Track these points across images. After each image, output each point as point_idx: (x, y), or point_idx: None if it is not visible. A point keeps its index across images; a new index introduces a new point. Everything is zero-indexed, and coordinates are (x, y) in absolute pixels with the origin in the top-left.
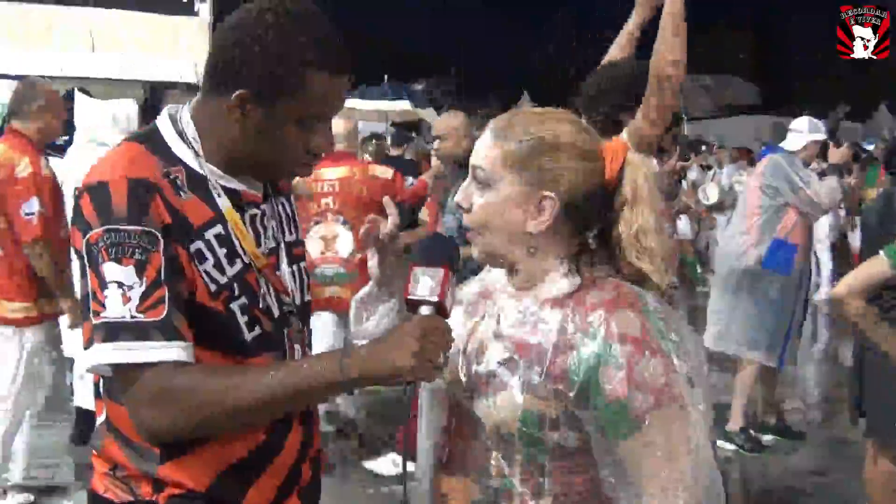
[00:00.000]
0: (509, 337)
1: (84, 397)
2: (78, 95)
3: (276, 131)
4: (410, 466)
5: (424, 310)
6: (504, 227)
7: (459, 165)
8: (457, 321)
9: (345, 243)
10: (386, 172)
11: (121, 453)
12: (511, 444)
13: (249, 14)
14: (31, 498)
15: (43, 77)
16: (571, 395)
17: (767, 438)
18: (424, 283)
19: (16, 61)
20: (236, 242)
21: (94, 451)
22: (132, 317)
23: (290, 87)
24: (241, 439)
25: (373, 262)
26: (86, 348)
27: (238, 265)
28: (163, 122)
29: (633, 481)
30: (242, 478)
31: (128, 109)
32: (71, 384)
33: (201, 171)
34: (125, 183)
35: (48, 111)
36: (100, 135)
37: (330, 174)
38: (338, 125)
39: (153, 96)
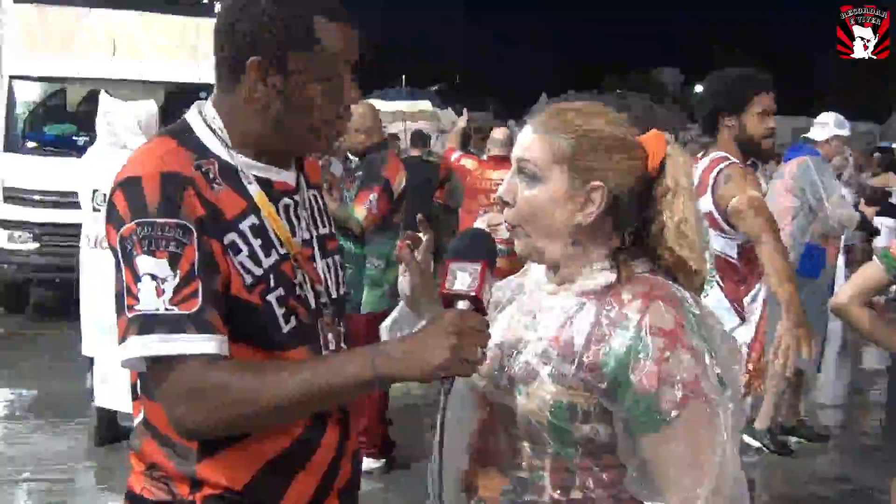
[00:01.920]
0: (545, 330)
1: (105, 398)
2: (103, 96)
3: (300, 92)
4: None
5: (461, 304)
6: (549, 222)
7: (361, 157)
8: (493, 315)
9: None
10: None
11: (158, 452)
12: (541, 436)
13: None
14: None
15: (63, 79)
16: (602, 386)
17: (793, 441)
18: (462, 278)
19: (37, 64)
20: (271, 233)
21: (131, 451)
22: (166, 309)
23: (299, 40)
24: (277, 436)
25: (403, 280)
26: (120, 344)
27: (274, 256)
28: (193, 117)
29: (656, 482)
30: (280, 476)
31: (148, 110)
32: (91, 386)
33: (232, 162)
34: (158, 177)
35: None
36: (120, 138)
37: (496, 175)
38: (498, 132)
39: (171, 99)
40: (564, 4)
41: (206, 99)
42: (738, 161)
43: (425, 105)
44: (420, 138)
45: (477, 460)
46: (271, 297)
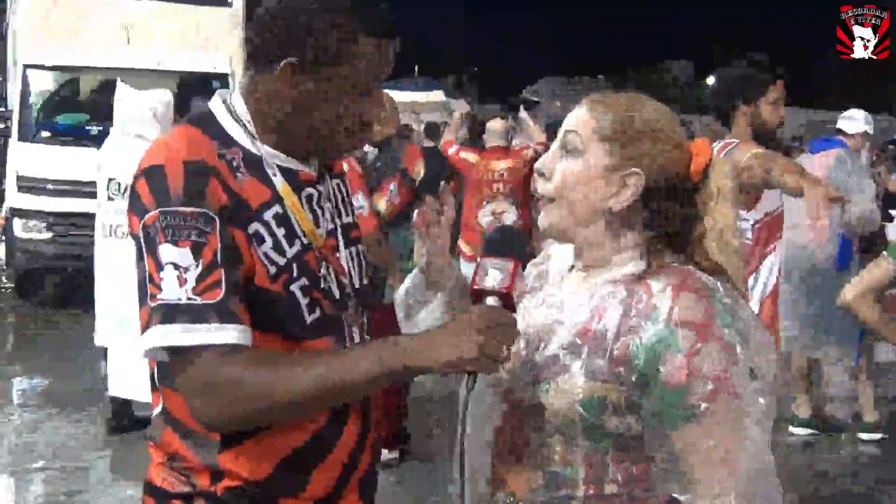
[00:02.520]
0: (572, 321)
1: (119, 387)
2: (119, 86)
3: (327, 100)
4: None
5: (490, 300)
6: (582, 200)
7: (378, 147)
8: (519, 305)
9: (510, 215)
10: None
11: (179, 443)
12: (573, 430)
13: None
14: None
15: (77, 68)
16: (633, 379)
17: (805, 433)
18: (493, 275)
19: (51, 53)
20: (295, 223)
21: (150, 442)
22: (188, 298)
23: (338, 52)
24: (299, 427)
25: (419, 248)
26: (142, 333)
27: (297, 246)
28: (216, 105)
29: (685, 476)
30: (301, 467)
31: (164, 99)
32: (104, 375)
33: (256, 152)
34: (181, 165)
35: None
36: (135, 127)
37: (500, 166)
38: (496, 123)
39: (184, 88)
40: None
41: (218, 88)
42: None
43: (438, 96)
44: (434, 129)
45: (502, 456)
46: (294, 287)
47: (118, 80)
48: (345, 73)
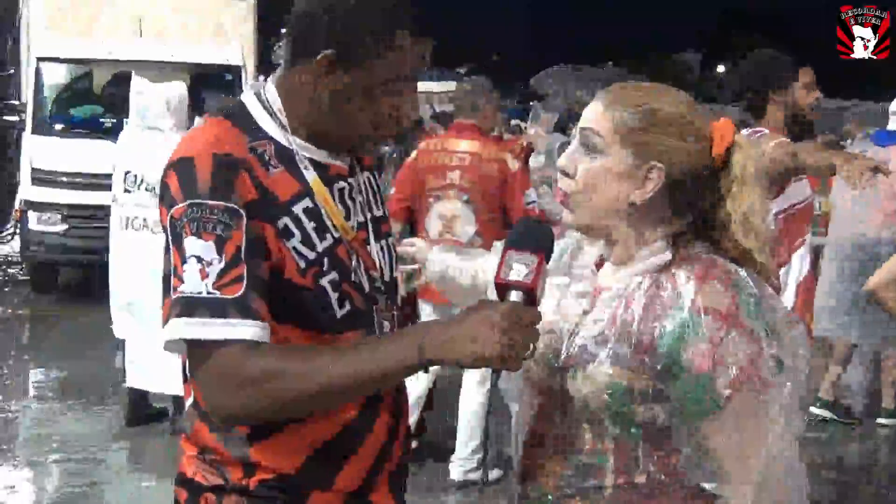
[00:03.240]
0: (600, 312)
1: (135, 378)
2: (135, 78)
3: (363, 95)
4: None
5: (514, 296)
6: (604, 197)
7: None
8: (548, 297)
9: (467, 224)
10: (514, 164)
11: (211, 437)
12: (601, 419)
13: None
14: None
15: (90, 61)
16: (658, 367)
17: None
18: (517, 269)
19: (64, 46)
20: (325, 217)
21: (182, 434)
22: (209, 292)
23: (378, 47)
24: (331, 419)
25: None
26: (164, 325)
27: (328, 240)
28: (248, 98)
29: (712, 466)
30: (333, 459)
31: (179, 91)
32: (121, 367)
33: (288, 145)
34: (211, 159)
35: None
36: (150, 119)
37: (458, 146)
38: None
39: (198, 80)
40: None
41: (231, 81)
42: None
43: (450, 86)
44: (446, 119)
45: (534, 445)
46: (324, 281)
47: (133, 72)
48: (382, 68)
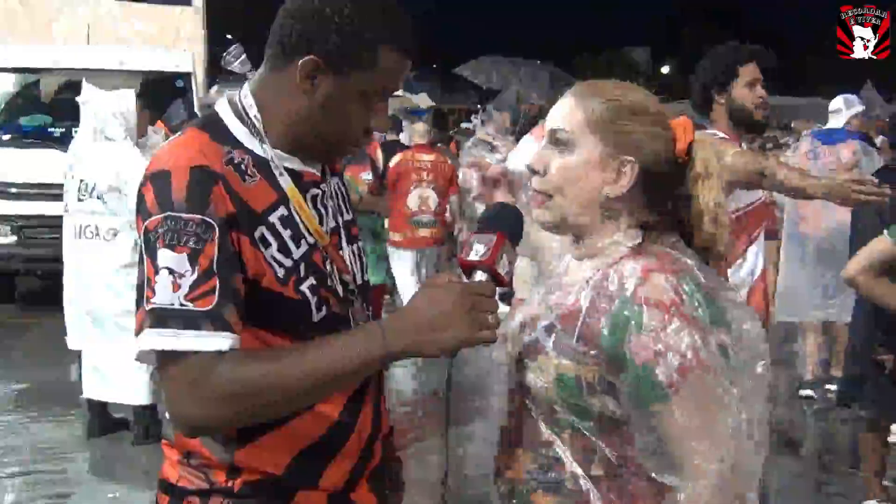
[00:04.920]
0: (555, 304)
1: (93, 389)
2: (85, 86)
3: (341, 104)
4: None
5: (479, 275)
6: (579, 192)
7: None
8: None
9: (434, 202)
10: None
11: (196, 441)
12: (554, 410)
13: None
14: None
15: (39, 70)
16: (602, 358)
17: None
18: (477, 249)
19: (11, 54)
20: (300, 223)
21: (164, 440)
22: (181, 304)
23: (363, 59)
24: (316, 419)
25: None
26: (136, 336)
27: (303, 246)
28: (222, 108)
29: (667, 455)
30: (317, 459)
31: (127, 100)
32: (78, 378)
33: (263, 154)
34: (187, 172)
35: None
36: (102, 128)
37: (426, 157)
38: (419, 125)
39: (149, 87)
40: None
41: (182, 87)
42: (726, 138)
43: (426, 99)
44: (395, 122)
45: (505, 438)
46: (304, 287)
47: (83, 80)
48: (364, 80)
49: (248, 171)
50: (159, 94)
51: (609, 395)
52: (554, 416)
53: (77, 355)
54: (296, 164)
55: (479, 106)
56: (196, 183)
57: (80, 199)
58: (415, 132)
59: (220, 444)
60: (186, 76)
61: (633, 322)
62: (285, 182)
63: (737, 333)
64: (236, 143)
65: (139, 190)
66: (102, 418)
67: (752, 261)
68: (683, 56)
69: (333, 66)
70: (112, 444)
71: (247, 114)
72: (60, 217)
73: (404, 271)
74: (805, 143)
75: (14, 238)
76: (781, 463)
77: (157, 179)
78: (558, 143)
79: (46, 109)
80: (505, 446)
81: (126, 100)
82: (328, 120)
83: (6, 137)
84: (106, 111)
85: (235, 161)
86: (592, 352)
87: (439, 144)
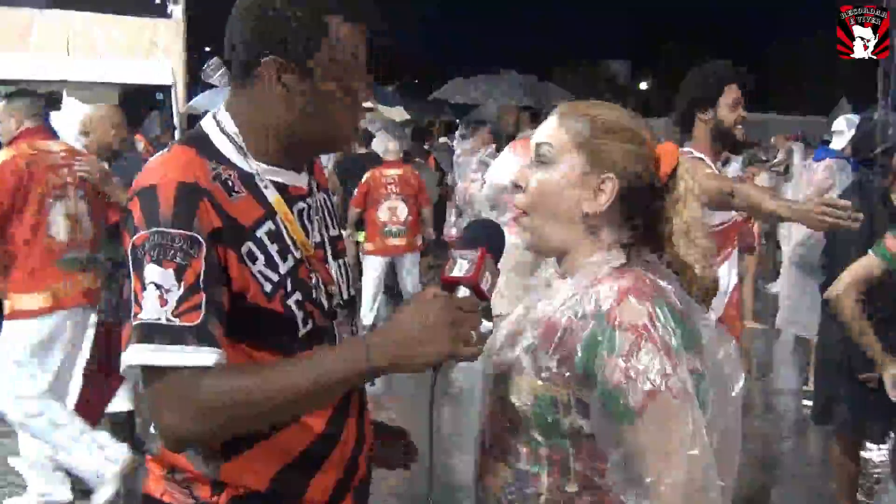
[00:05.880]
0: (535, 322)
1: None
2: (66, 99)
3: (319, 100)
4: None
5: (462, 291)
6: (558, 208)
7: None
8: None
9: (403, 212)
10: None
11: (180, 456)
12: (532, 428)
13: None
14: None
15: (18, 81)
16: (576, 379)
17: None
18: (460, 265)
19: None
20: (287, 237)
21: (148, 455)
22: (167, 320)
23: (314, 37)
24: (301, 432)
25: None
26: (123, 351)
27: (290, 261)
28: (208, 124)
29: (632, 473)
30: (302, 472)
31: (99, 113)
32: None
33: (249, 169)
34: (174, 187)
35: None
36: (72, 141)
37: (391, 172)
38: (392, 144)
39: (127, 99)
40: None
41: (162, 99)
42: (702, 157)
43: (402, 112)
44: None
45: (485, 452)
46: (291, 302)
47: (64, 93)
48: (323, 58)
49: (235, 187)
50: (139, 106)
51: (581, 415)
52: (531, 432)
53: None
54: (282, 177)
55: (457, 121)
56: (183, 199)
57: None
58: (388, 151)
59: (204, 459)
60: (166, 88)
61: (605, 344)
62: (271, 195)
63: (710, 358)
64: (222, 159)
65: (126, 206)
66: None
67: (724, 278)
68: (663, 71)
69: (293, 58)
70: None
71: (228, 132)
72: None
73: (372, 276)
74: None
75: None
76: (756, 478)
77: (144, 195)
78: (541, 159)
79: None
80: (485, 456)
81: (97, 112)
82: (313, 121)
83: None
84: (75, 124)
85: (222, 177)
86: (566, 372)
87: (417, 159)
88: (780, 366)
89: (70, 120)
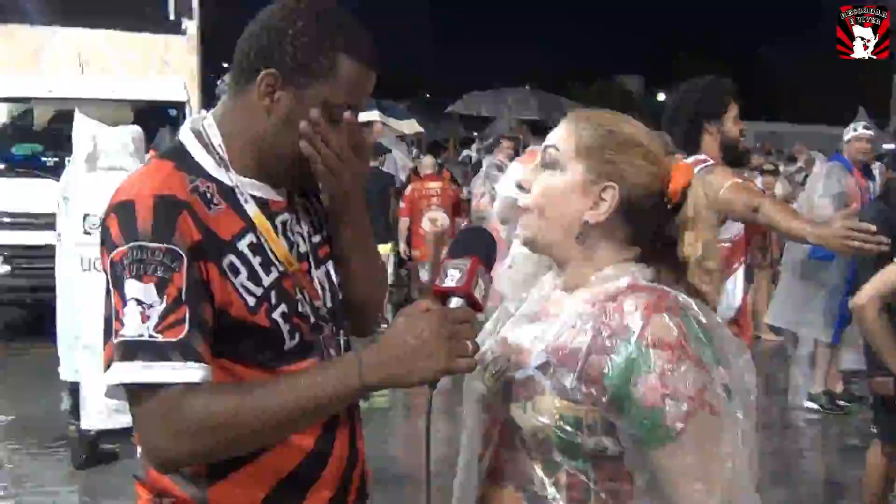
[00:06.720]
0: (547, 339)
1: (94, 419)
2: (77, 116)
3: (300, 114)
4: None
5: (454, 301)
6: (560, 214)
7: None
8: (507, 324)
9: (445, 221)
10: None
11: (168, 479)
12: (550, 450)
13: (278, 5)
14: None
15: (30, 99)
16: (605, 400)
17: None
18: (451, 275)
19: (3, 83)
20: (269, 250)
21: (136, 480)
22: (150, 336)
23: (320, 69)
24: (289, 450)
25: None
26: (105, 371)
27: (274, 273)
28: (186, 136)
29: (665, 496)
30: (293, 492)
31: (137, 132)
32: (69, 410)
33: (229, 183)
34: (151, 201)
35: None
36: (109, 160)
37: (433, 185)
38: (427, 159)
39: (140, 116)
40: (525, 12)
41: (176, 116)
42: (724, 167)
43: (373, 115)
44: (379, 150)
45: (488, 477)
46: (276, 315)
47: (75, 109)
48: (324, 91)
49: (214, 199)
50: (152, 124)
51: (608, 436)
52: (549, 455)
53: (65, 387)
54: (261, 192)
55: (475, 133)
56: (161, 211)
57: (87, 233)
58: (424, 165)
59: (192, 482)
60: (180, 105)
61: (640, 364)
62: (251, 209)
63: (734, 371)
64: (201, 172)
65: (103, 223)
66: (91, 449)
67: (731, 291)
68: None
69: (292, 78)
70: (98, 476)
71: (211, 143)
72: (51, 247)
73: (426, 278)
74: (829, 174)
75: (7, 268)
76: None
77: (121, 210)
78: (547, 163)
79: (38, 138)
80: (488, 480)
81: (135, 132)
82: (288, 137)
83: None
84: (114, 144)
85: (200, 189)
86: (595, 393)
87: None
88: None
89: (81, 137)
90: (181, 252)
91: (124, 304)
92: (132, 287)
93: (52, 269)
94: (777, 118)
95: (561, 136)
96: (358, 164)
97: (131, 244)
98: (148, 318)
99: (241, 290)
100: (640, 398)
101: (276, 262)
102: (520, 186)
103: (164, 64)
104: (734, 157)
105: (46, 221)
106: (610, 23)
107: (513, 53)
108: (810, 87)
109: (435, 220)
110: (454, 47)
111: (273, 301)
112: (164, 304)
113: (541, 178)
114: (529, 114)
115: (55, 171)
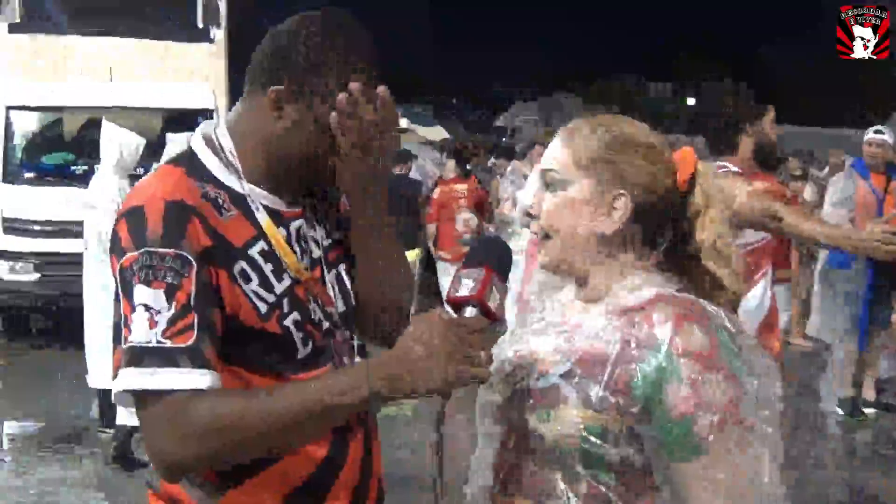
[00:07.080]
0: (570, 349)
1: (124, 415)
2: (105, 124)
3: (304, 131)
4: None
5: (468, 311)
6: (574, 230)
7: None
8: (524, 333)
9: (474, 221)
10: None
11: (180, 489)
12: (573, 461)
13: (296, 20)
14: None
15: (60, 108)
16: (634, 410)
17: (869, 411)
18: (466, 284)
19: (34, 93)
20: (280, 259)
21: (149, 489)
22: (158, 342)
23: (328, 91)
24: (303, 459)
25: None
26: (114, 377)
27: (286, 280)
28: (197, 143)
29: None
30: (308, 501)
31: (175, 139)
32: (98, 416)
33: (240, 190)
34: (161, 206)
35: None
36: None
37: (462, 187)
38: (450, 163)
39: (169, 124)
40: (525, 12)
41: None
42: (740, 172)
43: (402, 122)
44: (400, 156)
45: (504, 488)
46: (288, 322)
47: (103, 118)
48: (327, 107)
49: (225, 206)
50: (181, 132)
51: (633, 447)
52: (570, 466)
53: (94, 393)
54: (272, 202)
55: (503, 139)
56: (171, 217)
57: None
58: (447, 168)
59: (205, 491)
60: (208, 112)
61: (670, 374)
62: (262, 218)
63: (761, 381)
64: (212, 179)
65: (113, 229)
66: (127, 450)
67: (759, 297)
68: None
69: (299, 93)
70: (128, 480)
71: (223, 150)
72: (79, 255)
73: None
74: (844, 179)
75: (37, 275)
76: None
77: (131, 216)
78: (548, 184)
79: (69, 147)
80: (502, 491)
81: (173, 139)
82: (292, 147)
83: (29, 175)
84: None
85: (211, 196)
86: (622, 403)
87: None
88: (826, 384)
89: (108, 145)
90: (190, 258)
91: (133, 309)
92: (141, 293)
93: (81, 276)
94: (777, 118)
95: (556, 154)
96: (389, 140)
97: (141, 250)
98: (156, 323)
99: (252, 296)
100: (670, 408)
101: (288, 270)
102: (529, 214)
103: (193, 72)
104: (766, 159)
105: (76, 230)
106: (610, 23)
107: (513, 53)
108: (810, 87)
109: (468, 220)
110: (454, 47)
111: (285, 308)
112: (172, 310)
113: (547, 201)
114: (529, 114)
115: (85, 180)
